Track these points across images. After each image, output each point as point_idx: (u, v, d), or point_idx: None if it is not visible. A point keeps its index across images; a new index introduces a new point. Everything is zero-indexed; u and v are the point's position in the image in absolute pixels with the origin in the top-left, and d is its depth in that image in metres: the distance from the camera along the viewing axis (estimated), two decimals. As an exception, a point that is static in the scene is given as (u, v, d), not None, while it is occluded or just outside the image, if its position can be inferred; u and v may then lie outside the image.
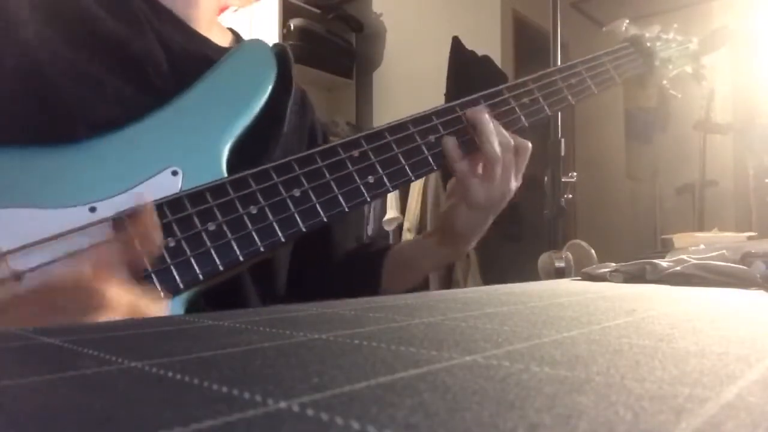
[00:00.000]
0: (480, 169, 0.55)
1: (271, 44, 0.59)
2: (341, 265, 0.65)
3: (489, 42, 2.57)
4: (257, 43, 0.57)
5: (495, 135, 0.54)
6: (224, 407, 0.11)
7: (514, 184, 0.57)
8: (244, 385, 0.13)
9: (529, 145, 0.57)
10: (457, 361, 0.15)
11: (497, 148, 0.54)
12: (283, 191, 0.46)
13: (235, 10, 2.81)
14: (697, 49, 0.84)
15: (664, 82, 0.81)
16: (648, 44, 0.77)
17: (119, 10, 0.51)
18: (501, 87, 0.60)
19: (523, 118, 0.59)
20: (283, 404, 0.11)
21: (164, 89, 0.50)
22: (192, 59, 0.54)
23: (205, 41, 0.58)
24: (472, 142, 0.55)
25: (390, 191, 0.51)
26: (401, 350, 0.17)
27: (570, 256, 1.11)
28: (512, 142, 0.55)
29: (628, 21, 0.79)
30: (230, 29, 0.67)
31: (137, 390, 0.13)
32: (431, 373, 0.14)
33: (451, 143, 0.53)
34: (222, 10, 0.65)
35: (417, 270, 0.64)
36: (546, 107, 0.62)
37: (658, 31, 0.79)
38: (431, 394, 0.12)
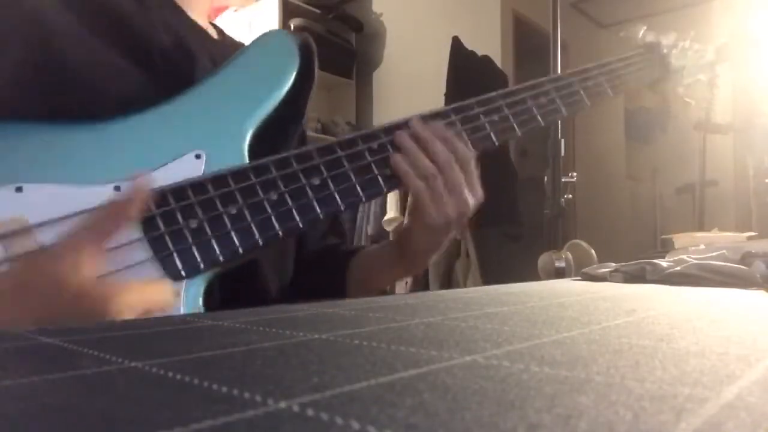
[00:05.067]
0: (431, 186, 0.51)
1: (295, 35, 0.59)
2: (311, 261, 0.65)
3: (489, 42, 2.57)
4: (281, 33, 0.58)
5: (422, 156, 0.51)
6: (224, 407, 0.11)
7: (471, 199, 0.53)
8: (244, 385, 0.13)
9: (472, 154, 0.53)
10: (457, 361, 0.15)
11: (430, 169, 0.51)
12: (302, 179, 0.47)
13: (236, 10, 2.80)
14: (713, 58, 0.83)
15: (680, 89, 0.80)
16: (664, 51, 0.77)
17: None
18: (518, 87, 0.61)
19: (539, 118, 0.60)
20: (283, 404, 0.11)
21: (169, 71, 0.50)
22: (192, 47, 0.55)
23: (201, 30, 0.59)
24: None
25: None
26: (401, 350, 0.17)
27: (570, 256, 1.12)
28: (449, 155, 0.52)
29: (645, 27, 0.78)
30: (213, 24, 0.67)
31: (137, 390, 0.13)
32: (431, 373, 0.14)
33: (397, 158, 0.51)
34: (222, 9, 0.65)
35: (377, 280, 0.63)
36: (563, 108, 0.62)
37: (674, 39, 0.79)
38: (431, 394, 0.12)
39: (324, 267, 0.63)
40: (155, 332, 0.21)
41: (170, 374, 0.14)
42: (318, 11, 2.90)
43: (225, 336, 0.20)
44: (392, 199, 2.27)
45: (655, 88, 0.79)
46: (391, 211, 2.28)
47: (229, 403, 0.11)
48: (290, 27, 2.70)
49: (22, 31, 0.45)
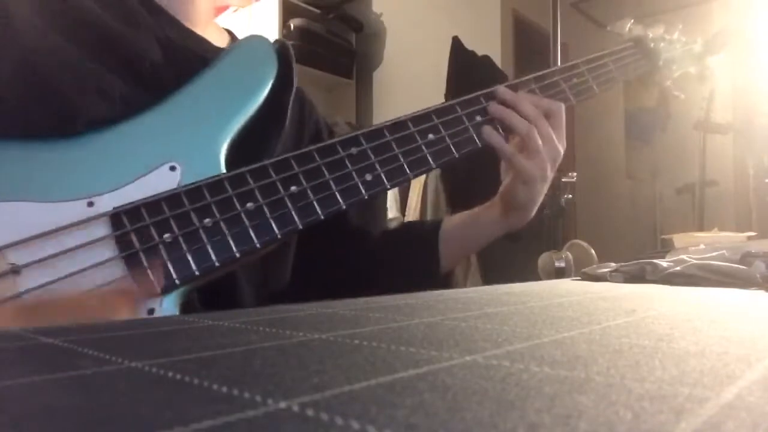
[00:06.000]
0: (522, 146, 0.59)
1: (272, 40, 0.59)
2: (384, 246, 0.66)
3: (489, 42, 2.56)
4: (258, 39, 0.57)
5: (516, 116, 0.58)
6: (224, 407, 0.11)
7: (560, 147, 0.59)
8: (244, 385, 0.13)
9: (561, 106, 0.60)
10: (457, 361, 0.15)
11: (524, 127, 0.57)
12: (280, 188, 0.46)
13: (235, 10, 2.80)
14: (702, 51, 0.83)
15: (668, 82, 0.80)
16: (652, 45, 0.76)
17: (116, 7, 0.51)
18: (505, 85, 0.61)
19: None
20: (283, 404, 0.11)
21: (159, 86, 0.50)
22: (188, 58, 0.54)
23: (201, 41, 0.58)
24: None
25: (388, 189, 0.51)
26: (401, 350, 0.17)
27: (570, 256, 1.12)
28: (538, 111, 0.58)
29: (632, 21, 0.78)
30: (227, 30, 0.67)
31: (137, 390, 0.13)
32: (431, 373, 0.14)
33: (487, 130, 0.57)
34: (221, 10, 0.64)
35: (475, 241, 0.66)
36: None
37: (662, 32, 0.78)
38: (431, 394, 0.12)
39: (410, 246, 0.65)
40: (155, 332, 0.21)
41: (170, 374, 0.14)
42: (318, 11, 2.90)
43: (225, 336, 0.20)
44: (392, 199, 2.26)
45: (644, 82, 0.79)
46: (391, 211, 2.28)
47: (229, 403, 0.11)
48: (290, 27, 2.70)
49: (6, 50, 0.44)
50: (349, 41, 3.02)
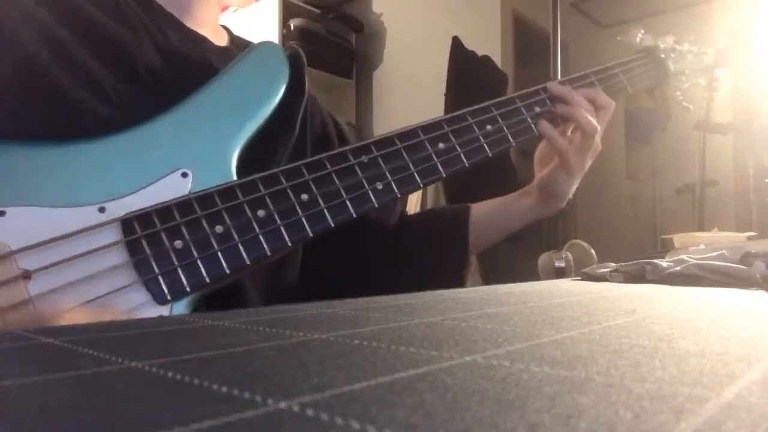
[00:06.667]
0: (573, 139, 0.62)
1: (284, 47, 0.59)
2: (406, 234, 0.67)
3: (489, 42, 2.56)
4: (270, 46, 0.57)
5: (583, 108, 0.60)
6: (224, 407, 0.11)
7: (599, 143, 0.63)
8: (244, 385, 0.13)
9: (612, 103, 0.64)
10: (457, 361, 0.15)
11: (591, 119, 0.60)
12: (291, 196, 0.46)
13: (235, 10, 2.80)
14: (712, 62, 0.83)
15: (678, 93, 0.80)
16: (662, 55, 0.77)
17: (110, 9, 0.51)
18: (511, 96, 0.61)
19: (534, 128, 0.61)
20: (283, 404, 0.11)
21: (160, 89, 0.50)
22: (188, 59, 0.54)
23: (202, 40, 0.58)
24: (555, 118, 0.62)
25: (398, 198, 0.51)
26: (401, 350, 0.17)
27: (570, 256, 1.11)
28: (592, 108, 0.62)
29: (642, 31, 0.78)
30: (224, 26, 0.66)
31: (137, 390, 0.13)
32: (431, 373, 0.14)
33: (545, 125, 0.60)
34: (222, 10, 0.64)
35: (505, 228, 0.68)
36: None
37: (672, 42, 0.79)
38: (431, 394, 0.12)
39: (438, 231, 0.67)
40: (155, 332, 0.21)
41: (170, 374, 0.14)
42: (318, 11, 2.90)
43: (225, 336, 0.20)
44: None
45: (653, 93, 0.79)
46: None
47: (229, 403, 0.11)
48: (290, 27, 2.70)
49: (7, 50, 0.44)
50: (349, 41, 3.02)
